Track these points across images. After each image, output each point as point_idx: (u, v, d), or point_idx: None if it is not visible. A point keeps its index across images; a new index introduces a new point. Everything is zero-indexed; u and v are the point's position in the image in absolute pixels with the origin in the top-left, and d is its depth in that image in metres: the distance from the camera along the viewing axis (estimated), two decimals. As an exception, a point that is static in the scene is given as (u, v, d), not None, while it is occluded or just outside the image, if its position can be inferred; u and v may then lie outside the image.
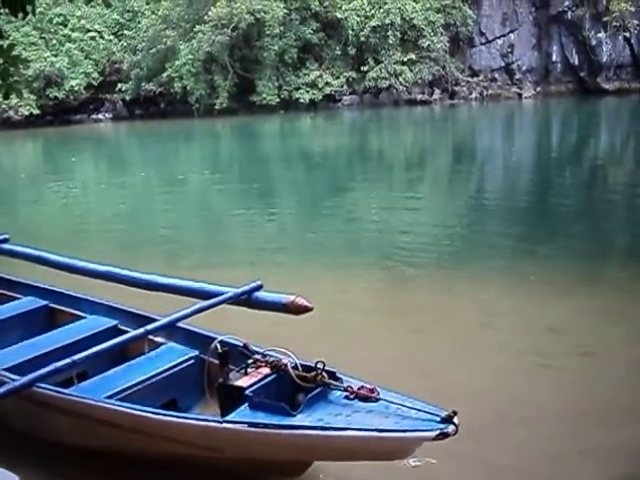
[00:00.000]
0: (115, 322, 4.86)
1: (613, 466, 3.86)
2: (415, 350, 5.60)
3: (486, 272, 7.97)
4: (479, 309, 6.59)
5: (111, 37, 39.18)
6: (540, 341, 5.70)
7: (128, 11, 39.71)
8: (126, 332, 4.40)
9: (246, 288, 4.52)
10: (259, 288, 4.55)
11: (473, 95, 38.32)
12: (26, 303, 5.38)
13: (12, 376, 3.94)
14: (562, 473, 3.85)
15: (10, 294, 5.64)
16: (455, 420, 2.99)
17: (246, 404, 3.42)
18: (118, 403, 3.68)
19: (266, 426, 3.21)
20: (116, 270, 5.19)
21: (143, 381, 4.04)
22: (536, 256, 8.51)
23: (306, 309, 4.31)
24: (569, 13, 37.16)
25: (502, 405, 4.55)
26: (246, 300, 4.52)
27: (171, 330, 4.48)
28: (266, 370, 3.72)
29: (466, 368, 5.18)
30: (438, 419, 3.02)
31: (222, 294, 4.49)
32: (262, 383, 3.61)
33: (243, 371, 3.76)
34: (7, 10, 4.15)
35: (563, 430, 4.26)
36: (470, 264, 8.35)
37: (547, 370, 5.13)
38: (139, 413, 3.52)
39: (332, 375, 3.49)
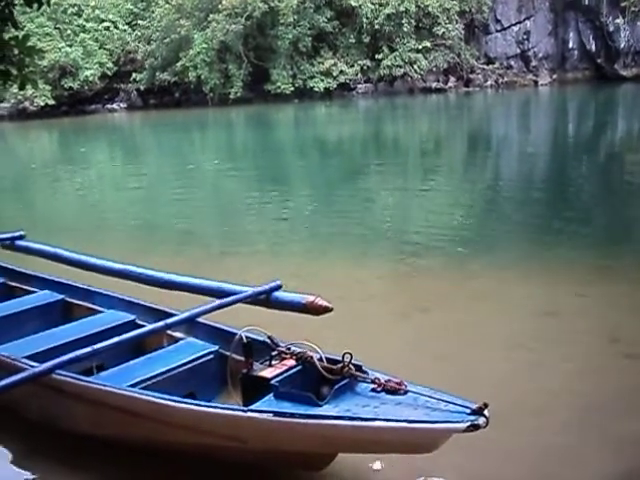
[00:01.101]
0: (133, 317, 4.84)
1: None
2: (434, 339, 5.56)
3: (503, 259, 7.92)
4: (497, 297, 6.54)
5: (125, 27, 39.18)
6: (556, 329, 5.64)
7: (142, 1, 39.70)
8: (144, 327, 4.38)
9: (265, 288, 4.50)
10: (278, 288, 4.52)
11: (488, 83, 38.06)
12: (42, 296, 5.38)
13: (31, 363, 3.94)
14: (579, 463, 3.81)
15: (26, 288, 5.64)
16: (486, 412, 2.95)
17: (271, 394, 3.40)
18: (138, 391, 3.67)
19: (292, 415, 3.18)
20: (133, 268, 5.17)
21: (162, 373, 4.03)
22: (553, 243, 8.44)
23: (326, 310, 4.28)
24: (586, -1, 36.74)
25: (519, 394, 4.52)
26: (265, 300, 4.49)
27: (191, 325, 4.47)
28: (291, 362, 3.69)
29: (484, 357, 5.14)
30: (468, 411, 2.98)
31: (240, 293, 4.47)
32: (287, 374, 3.59)
33: (267, 363, 3.74)
34: (22, 1, 4.14)
35: (581, 420, 4.23)
36: (487, 251, 8.30)
37: (564, 358, 5.08)
38: (160, 401, 3.50)
39: (358, 368, 3.46)
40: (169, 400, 3.49)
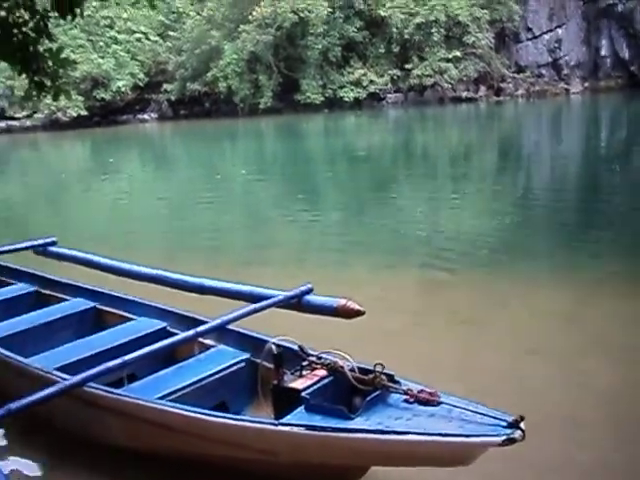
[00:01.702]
0: (165, 324, 4.83)
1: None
2: (463, 350, 5.48)
3: (533, 273, 7.80)
4: (526, 310, 6.43)
5: (156, 38, 39.65)
6: (587, 343, 5.53)
7: (173, 12, 40.16)
8: (176, 334, 4.37)
9: (297, 291, 4.45)
10: (310, 291, 4.48)
11: (519, 92, 37.77)
12: (74, 305, 5.40)
13: (63, 375, 3.94)
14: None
15: (58, 295, 5.67)
16: (522, 425, 2.87)
17: (302, 406, 3.35)
18: (170, 404, 3.65)
19: (324, 429, 3.13)
20: (164, 273, 5.17)
21: (193, 383, 4.00)
22: (585, 256, 8.28)
23: (358, 313, 4.23)
24: (619, 6, 36.34)
25: (553, 405, 4.43)
26: (297, 303, 4.45)
27: (221, 333, 4.43)
28: (322, 372, 3.64)
29: (514, 368, 5.05)
30: (504, 424, 2.91)
31: (272, 297, 4.44)
32: (318, 385, 3.54)
33: (298, 373, 3.69)
34: (56, 13, 4.18)
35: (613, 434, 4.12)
36: (517, 264, 8.19)
37: (593, 373, 4.97)
38: (191, 414, 3.47)
39: (390, 378, 3.40)
40: (200, 413, 3.46)
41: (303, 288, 4.47)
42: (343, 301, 4.25)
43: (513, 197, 13.00)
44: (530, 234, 9.73)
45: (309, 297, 4.45)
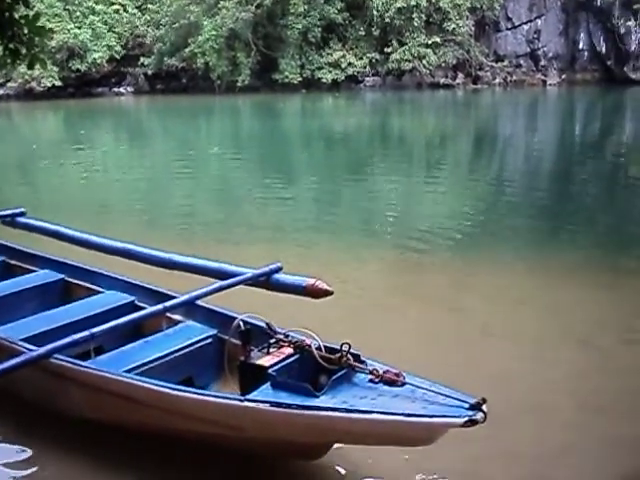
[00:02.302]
0: (133, 298, 4.82)
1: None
2: (430, 334, 5.55)
3: (504, 256, 7.92)
4: (496, 295, 6.53)
5: (135, 11, 39.00)
6: (557, 328, 5.63)
7: (152, -15, 39.51)
8: (143, 309, 4.36)
9: (265, 269, 4.47)
10: (278, 270, 4.49)
11: (497, 80, 37.90)
12: (42, 276, 5.35)
13: (29, 346, 3.92)
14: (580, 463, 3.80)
15: (26, 266, 5.60)
16: (484, 407, 2.93)
17: (268, 383, 3.38)
18: (137, 377, 3.65)
19: (289, 406, 3.17)
20: (134, 247, 5.14)
21: (160, 357, 4.01)
22: (555, 242, 8.42)
23: (326, 293, 4.26)
24: (598, 0, 36.54)
25: (522, 392, 4.51)
26: (265, 282, 4.47)
27: (190, 308, 4.44)
28: (289, 350, 3.67)
29: (484, 353, 5.13)
30: (466, 406, 2.96)
31: (241, 274, 4.44)
32: (285, 363, 3.57)
33: (265, 350, 3.72)
34: (34, -21, 4.11)
35: (582, 419, 4.21)
36: (488, 248, 8.31)
37: (562, 356, 5.07)
38: (157, 388, 3.49)
39: (356, 358, 3.44)
40: (166, 387, 3.48)
41: (272, 266, 4.48)
42: (312, 281, 4.27)
43: (487, 183, 13.11)
44: (502, 220, 9.84)
45: (278, 276, 4.46)
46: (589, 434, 4.06)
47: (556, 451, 3.86)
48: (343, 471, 3.66)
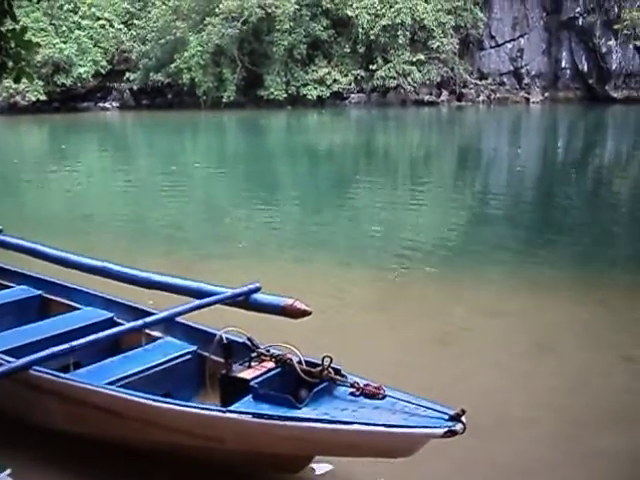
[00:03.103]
0: (111, 314, 4.77)
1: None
2: (415, 349, 5.57)
3: (488, 273, 7.96)
4: (480, 309, 6.56)
5: (121, 26, 39.13)
6: (544, 342, 5.67)
7: (139, 0, 39.67)
8: (122, 325, 4.34)
9: (244, 289, 4.45)
10: (257, 290, 4.48)
11: (481, 98, 38.30)
12: (19, 292, 5.27)
13: (7, 358, 3.89)
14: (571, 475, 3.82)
15: (2, 282, 5.52)
16: (463, 419, 2.97)
17: (250, 396, 3.39)
18: (116, 389, 3.64)
19: (271, 417, 3.18)
20: (112, 266, 5.03)
21: (139, 372, 3.98)
22: (539, 257, 8.49)
23: (304, 313, 4.25)
24: (580, 19, 37.14)
25: (504, 406, 4.53)
26: (243, 301, 4.45)
27: (169, 325, 4.42)
28: (270, 364, 3.68)
29: (467, 367, 5.16)
30: (446, 417, 3.00)
31: (219, 294, 4.44)
32: (266, 376, 3.58)
33: (247, 364, 3.73)
34: (21, -7, 4.12)
35: (568, 433, 4.24)
36: (472, 264, 8.34)
37: (548, 369, 5.11)
38: (139, 400, 3.48)
39: (337, 371, 3.46)
40: (147, 399, 3.47)
41: (251, 286, 4.46)
42: (290, 301, 4.26)
43: (470, 199, 13.21)
44: (485, 236, 9.90)
45: (256, 296, 4.45)
46: (573, 447, 4.09)
47: (541, 465, 3.88)
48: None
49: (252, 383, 3.46)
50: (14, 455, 3.96)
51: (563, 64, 38.51)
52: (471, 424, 2.99)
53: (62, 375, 3.78)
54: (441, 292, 7.30)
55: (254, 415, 3.21)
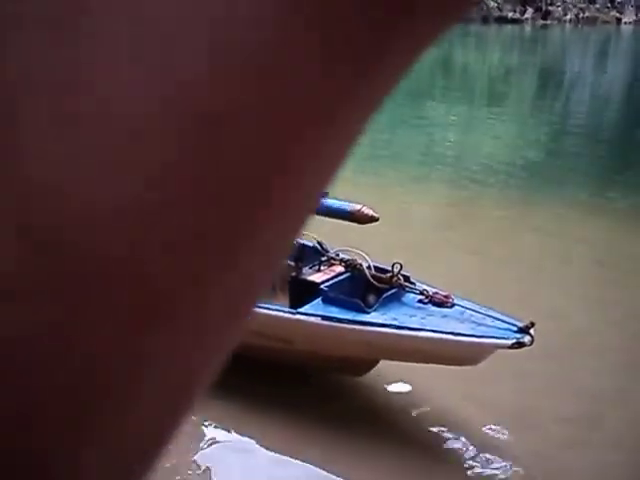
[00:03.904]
0: None
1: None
2: (480, 267, 5.50)
3: (562, 198, 7.72)
4: (551, 234, 6.41)
5: None
6: (607, 273, 5.52)
7: None
8: None
9: None
10: (325, 195, 4.47)
11: (568, 17, 36.54)
12: None
13: None
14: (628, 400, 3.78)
15: None
16: (532, 331, 2.94)
17: (319, 298, 3.42)
18: None
19: (340, 320, 3.21)
20: None
21: None
22: (616, 187, 8.19)
23: (372, 219, 4.22)
24: None
25: (568, 329, 4.47)
26: None
27: None
28: (340, 268, 3.70)
29: (533, 289, 5.08)
30: (515, 329, 2.99)
31: None
32: (336, 280, 3.60)
33: (316, 268, 3.76)
34: None
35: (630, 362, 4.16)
36: (547, 189, 8.11)
37: (607, 300, 4.98)
38: None
39: (406, 278, 3.45)
40: None
41: None
42: (358, 206, 4.23)
43: (550, 123, 12.75)
44: (563, 162, 9.58)
45: (323, 200, 4.45)
46: None
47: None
48: (389, 387, 3.71)
49: (322, 286, 3.49)
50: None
51: (661, -18, 36.22)
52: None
53: None
54: (514, 212, 7.14)
55: (323, 318, 3.26)
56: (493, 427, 3.35)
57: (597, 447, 3.25)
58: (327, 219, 4.44)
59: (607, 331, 4.46)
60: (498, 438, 3.29)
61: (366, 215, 4.23)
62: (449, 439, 3.28)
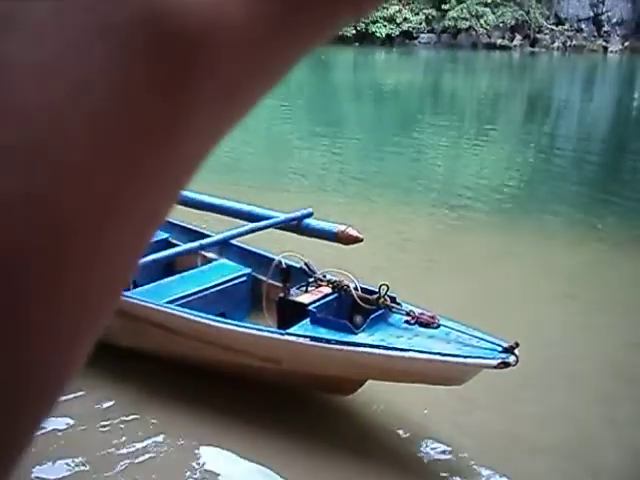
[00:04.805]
0: (167, 235, 4.82)
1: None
2: (466, 290, 5.54)
3: (550, 221, 7.81)
4: (539, 257, 6.48)
5: None
6: (594, 295, 5.58)
7: None
8: (178, 246, 4.36)
9: (297, 214, 4.49)
10: (310, 215, 4.53)
11: (555, 44, 37.02)
12: None
13: None
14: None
15: None
16: (516, 352, 2.99)
17: (307, 319, 3.45)
18: (179, 308, 3.73)
19: (329, 341, 3.25)
20: None
21: (196, 292, 4.04)
22: (604, 215, 8.27)
23: (356, 240, 4.29)
24: (669, -36, 35.23)
25: (551, 353, 4.51)
26: (296, 226, 4.49)
27: (224, 247, 4.50)
28: (327, 289, 3.74)
29: (520, 314, 5.12)
30: (500, 349, 3.04)
31: (273, 217, 4.50)
32: (323, 301, 3.64)
33: (304, 289, 3.79)
34: None
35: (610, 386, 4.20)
36: (534, 211, 8.20)
37: (596, 322, 5.03)
38: (201, 320, 3.56)
39: (393, 299, 3.50)
40: (209, 319, 3.56)
41: (304, 212, 4.51)
42: (343, 227, 4.30)
43: (537, 148, 12.89)
44: (550, 186, 9.68)
45: (309, 221, 4.50)
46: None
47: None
48: (376, 408, 3.73)
49: (310, 307, 3.52)
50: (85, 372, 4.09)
51: (647, 12, 36.79)
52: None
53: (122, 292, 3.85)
54: (501, 239, 7.21)
55: (312, 338, 3.29)
56: (476, 451, 3.38)
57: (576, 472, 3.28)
58: (311, 239, 4.52)
59: (589, 357, 4.51)
60: (483, 463, 3.32)
61: (350, 236, 4.30)
62: (435, 460, 3.32)
